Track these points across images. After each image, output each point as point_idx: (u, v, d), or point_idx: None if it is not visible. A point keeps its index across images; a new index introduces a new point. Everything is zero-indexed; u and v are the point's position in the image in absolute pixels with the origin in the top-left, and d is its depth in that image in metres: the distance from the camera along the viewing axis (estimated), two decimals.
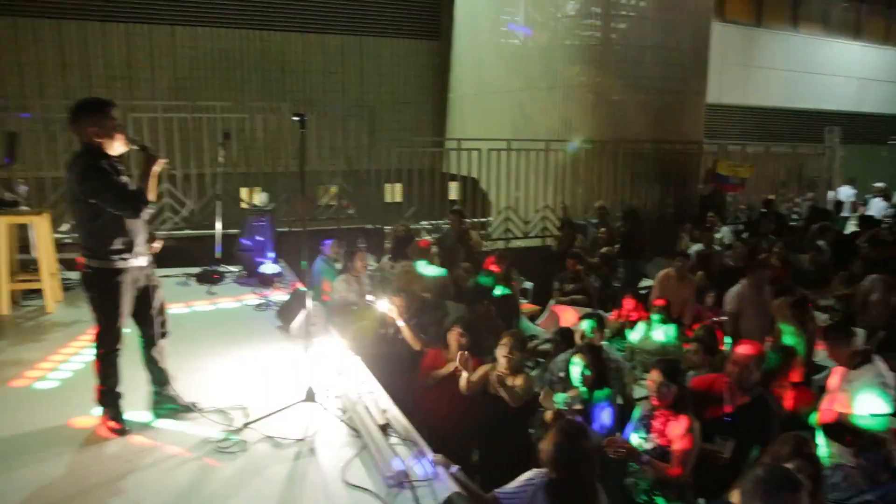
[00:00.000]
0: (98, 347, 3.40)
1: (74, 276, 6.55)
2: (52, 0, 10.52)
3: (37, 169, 7.28)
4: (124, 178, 3.31)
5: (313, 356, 4.37)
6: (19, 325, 5.32)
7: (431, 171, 9.69)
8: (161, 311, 3.68)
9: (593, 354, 4.13)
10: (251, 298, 5.84)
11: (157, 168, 3.38)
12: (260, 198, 6.61)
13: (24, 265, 5.81)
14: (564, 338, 5.09)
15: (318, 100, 11.87)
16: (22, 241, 5.82)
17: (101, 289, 3.33)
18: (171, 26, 11.18)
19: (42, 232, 5.52)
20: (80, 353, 4.67)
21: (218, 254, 6.42)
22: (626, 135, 10.43)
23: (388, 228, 8.49)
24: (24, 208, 5.90)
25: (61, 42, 10.66)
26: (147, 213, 3.36)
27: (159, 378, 3.72)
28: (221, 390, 4.01)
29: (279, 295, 5.93)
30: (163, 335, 3.71)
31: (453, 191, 10.92)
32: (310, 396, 3.69)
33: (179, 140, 8.01)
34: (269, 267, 6.25)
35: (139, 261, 3.42)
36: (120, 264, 3.32)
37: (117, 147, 3.32)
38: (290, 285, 6.21)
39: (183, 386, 3.86)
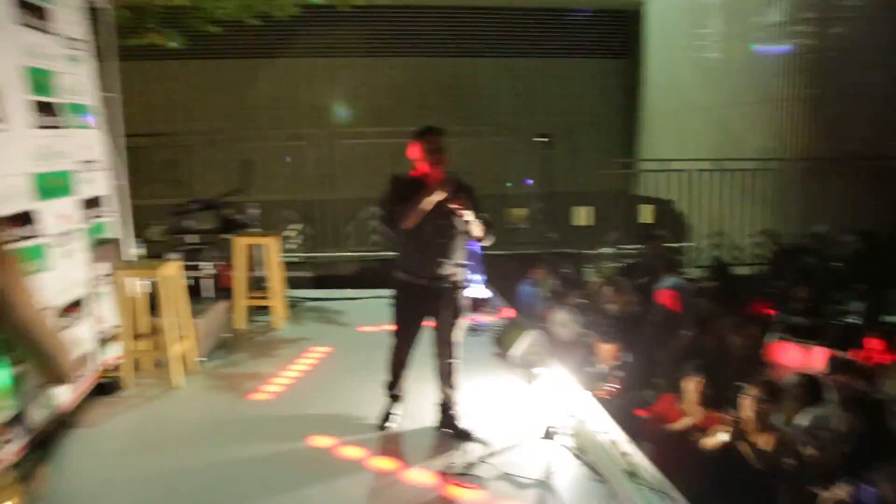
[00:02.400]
0: None
1: (297, 293, 6.94)
2: (265, 42, 11.37)
3: (263, 193, 7.85)
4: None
5: (539, 389, 4.16)
6: (252, 339, 5.63)
7: (620, 193, 9.24)
8: None
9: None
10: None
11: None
12: None
13: (255, 283, 6.21)
14: (812, 388, 4.41)
15: (506, 123, 11.84)
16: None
17: None
18: (371, 58, 11.71)
19: (272, 253, 5.82)
20: (310, 369, 4.84)
21: None
22: (847, 150, 9.31)
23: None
24: (256, 230, 6.29)
25: (276, 79, 11.53)
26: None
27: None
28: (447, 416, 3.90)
29: (489, 319, 5.82)
30: None
31: (646, 214, 10.35)
32: (548, 435, 3.47)
33: (390, 164, 8.27)
34: (478, 290, 6.16)
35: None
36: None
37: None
38: (499, 310, 6.09)
39: (409, 409, 3.87)
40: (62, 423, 3.68)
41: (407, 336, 3.65)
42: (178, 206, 5.93)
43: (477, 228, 3.49)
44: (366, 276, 7.79)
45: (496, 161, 10.13)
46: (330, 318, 6.25)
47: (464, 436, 3.65)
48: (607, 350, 4.93)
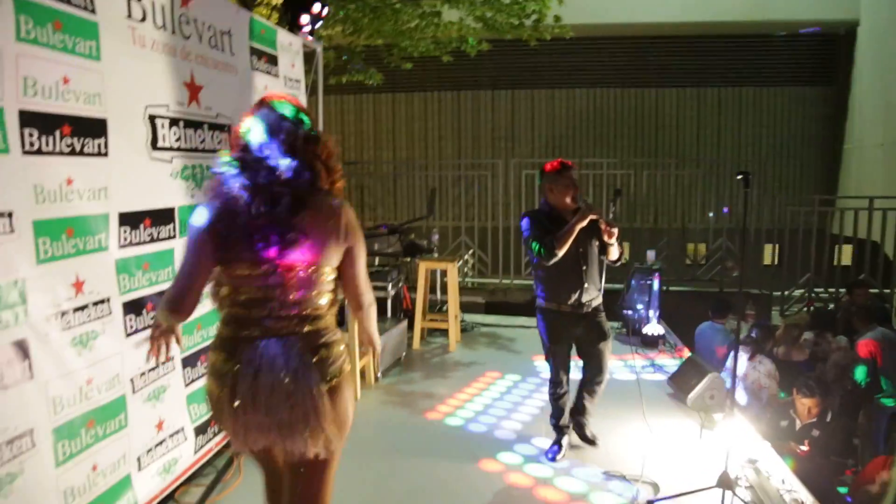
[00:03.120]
0: None
1: (471, 317, 7.14)
2: (451, 76, 11.91)
3: (442, 218, 8.23)
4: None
5: (718, 434, 3.97)
6: (427, 360, 5.87)
7: (813, 231, 8.47)
8: None
9: None
10: (634, 359, 5.64)
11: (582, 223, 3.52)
12: (648, 255, 6.43)
13: (432, 306, 6.47)
14: None
15: (691, 154, 11.41)
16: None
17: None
18: (552, 89, 11.85)
19: (452, 277, 6.06)
20: (481, 394, 4.95)
21: None
22: None
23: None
24: (435, 255, 6.60)
25: (460, 110, 12.03)
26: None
27: None
28: (618, 455, 3.85)
29: (663, 358, 5.64)
30: None
31: (845, 256, 9.41)
32: (723, 483, 3.30)
33: None
34: (652, 327, 5.99)
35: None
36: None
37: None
38: (676, 350, 5.87)
39: (574, 440, 3.92)
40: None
41: (561, 364, 3.71)
42: (368, 230, 6.37)
43: (615, 251, 3.60)
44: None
45: (679, 194, 9.80)
46: (503, 344, 6.35)
47: (590, 442, 3.91)
48: (804, 404, 4.57)
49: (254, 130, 1.95)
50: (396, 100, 12.11)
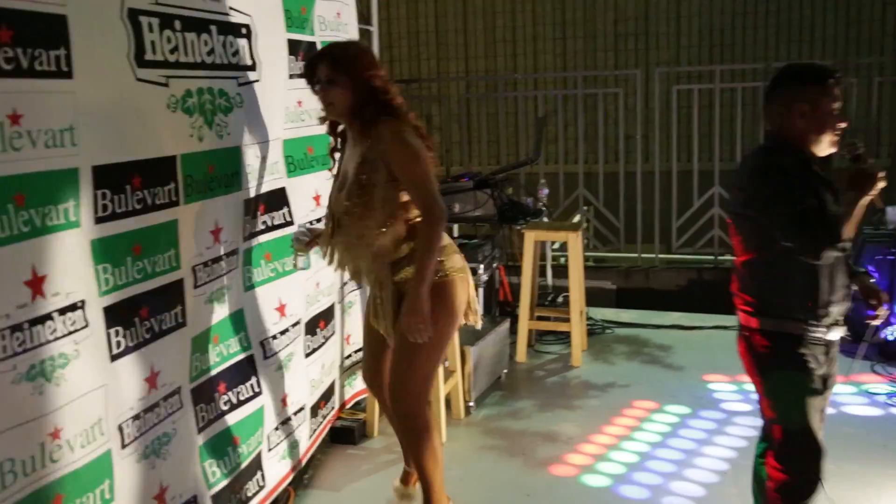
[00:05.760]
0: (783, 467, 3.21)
1: (597, 312, 6.93)
2: None
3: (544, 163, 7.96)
4: (824, 198, 3.07)
5: None
6: (540, 380, 5.73)
7: None
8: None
9: None
10: (872, 381, 5.34)
11: (871, 194, 3.05)
12: (889, 214, 5.99)
13: (543, 297, 6.29)
14: None
15: None
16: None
17: (777, 365, 3.15)
18: None
19: (574, 252, 5.87)
20: (632, 436, 4.76)
21: None
22: None
23: None
24: (546, 220, 6.37)
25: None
26: (831, 256, 3.05)
27: None
28: None
29: None
30: None
31: None
32: None
33: (747, 120, 7.88)
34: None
35: (831, 333, 3.15)
36: (801, 330, 3.10)
37: (824, 146, 3.13)
38: None
39: None
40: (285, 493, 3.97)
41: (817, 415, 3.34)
42: (441, 184, 6.15)
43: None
44: (700, 294, 7.54)
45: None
46: (652, 355, 6.17)
47: None
48: None
49: None
50: None
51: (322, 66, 3.26)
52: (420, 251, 3.27)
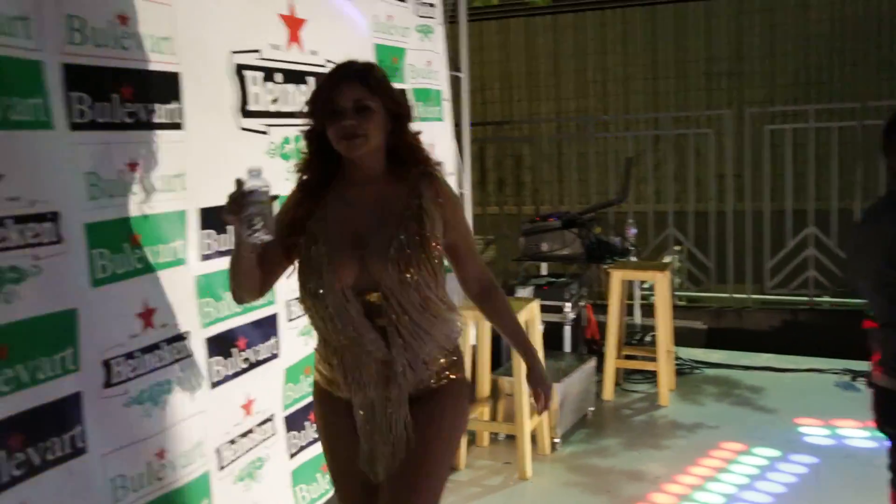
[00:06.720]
0: None
1: (687, 352, 6.88)
2: None
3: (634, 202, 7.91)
4: None
5: None
6: (627, 419, 5.72)
7: None
8: None
9: None
10: None
11: None
12: None
13: (630, 335, 6.29)
14: None
15: None
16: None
17: None
18: None
19: (661, 292, 5.87)
20: (718, 477, 4.72)
21: None
22: None
23: None
24: (634, 259, 6.39)
25: (654, 32, 11.62)
26: None
27: None
28: None
29: None
30: None
31: None
32: None
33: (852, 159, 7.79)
34: None
35: None
36: None
37: None
38: None
39: None
40: None
41: None
42: (531, 223, 6.27)
43: None
44: (794, 335, 7.39)
45: None
46: (742, 397, 6.08)
47: None
48: None
49: None
50: (559, 24, 11.90)
51: (350, 89, 2.32)
52: (512, 320, 2.73)
